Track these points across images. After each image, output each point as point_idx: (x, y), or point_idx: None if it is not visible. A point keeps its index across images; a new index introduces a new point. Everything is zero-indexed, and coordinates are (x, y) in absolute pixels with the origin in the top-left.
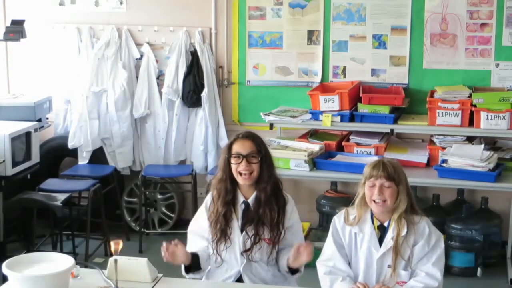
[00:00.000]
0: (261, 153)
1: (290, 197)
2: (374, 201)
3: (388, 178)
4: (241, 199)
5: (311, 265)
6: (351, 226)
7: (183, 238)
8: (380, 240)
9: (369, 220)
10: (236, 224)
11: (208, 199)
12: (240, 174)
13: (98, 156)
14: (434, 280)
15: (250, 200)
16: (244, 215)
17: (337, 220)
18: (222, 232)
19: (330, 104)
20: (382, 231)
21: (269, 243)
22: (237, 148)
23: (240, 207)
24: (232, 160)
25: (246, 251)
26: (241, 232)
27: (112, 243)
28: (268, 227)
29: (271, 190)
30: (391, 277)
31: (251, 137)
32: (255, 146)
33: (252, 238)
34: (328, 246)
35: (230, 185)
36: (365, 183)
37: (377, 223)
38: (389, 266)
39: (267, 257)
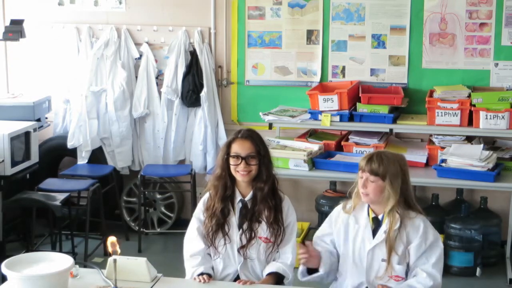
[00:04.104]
0: (260, 155)
1: (286, 196)
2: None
3: (371, 173)
4: (238, 197)
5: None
6: (347, 214)
7: (182, 238)
8: (374, 233)
9: (366, 211)
10: (234, 221)
11: (206, 196)
12: (238, 171)
13: (97, 156)
14: (434, 281)
15: (247, 199)
16: (241, 212)
17: (336, 209)
18: (218, 226)
19: (329, 103)
20: (376, 223)
21: (266, 241)
22: (236, 148)
23: (238, 205)
24: (231, 161)
25: (242, 248)
26: (239, 229)
27: (108, 244)
28: (266, 224)
29: (268, 189)
30: (386, 271)
31: (251, 137)
32: (254, 147)
33: (247, 234)
34: (322, 226)
35: (229, 182)
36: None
37: (372, 215)
38: (383, 260)
39: (266, 256)
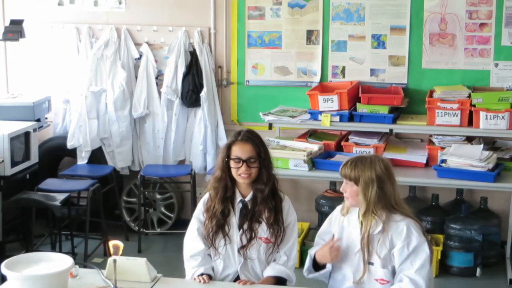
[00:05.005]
0: (261, 157)
1: (286, 196)
2: None
3: (345, 177)
4: (238, 197)
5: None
6: (343, 216)
7: (182, 238)
8: None
9: (357, 214)
10: (234, 222)
11: (206, 196)
12: (239, 174)
13: (97, 156)
14: (416, 287)
15: (248, 199)
16: (241, 213)
17: (337, 208)
18: (218, 227)
19: (329, 104)
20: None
21: (266, 242)
22: (236, 151)
23: (238, 206)
24: (232, 164)
25: (242, 248)
26: (239, 229)
27: (111, 246)
28: (266, 225)
29: (269, 190)
30: (368, 273)
31: (251, 139)
32: (255, 149)
33: (247, 234)
34: (323, 225)
35: (229, 184)
36: None
37: (361, 218)
38: (369, 263)
39: (266, 256)
